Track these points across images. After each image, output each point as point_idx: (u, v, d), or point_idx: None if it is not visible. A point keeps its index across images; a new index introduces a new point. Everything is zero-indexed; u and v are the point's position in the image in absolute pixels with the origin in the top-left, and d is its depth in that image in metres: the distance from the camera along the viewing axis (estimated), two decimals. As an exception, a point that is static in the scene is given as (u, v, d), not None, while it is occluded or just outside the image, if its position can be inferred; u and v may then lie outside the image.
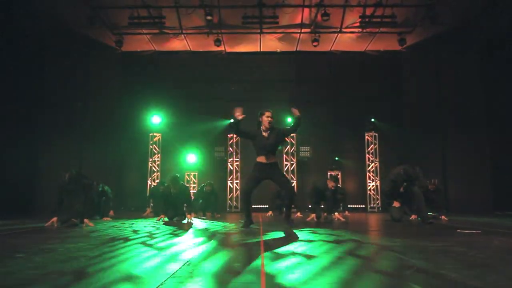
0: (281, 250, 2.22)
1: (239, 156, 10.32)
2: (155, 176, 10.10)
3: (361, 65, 10.49)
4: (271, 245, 2.42)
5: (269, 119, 4.07)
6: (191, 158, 10.17)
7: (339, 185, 9.64)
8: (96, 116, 9.23)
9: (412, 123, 9.66)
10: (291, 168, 10.17)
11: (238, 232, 3.52)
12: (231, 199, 10.10)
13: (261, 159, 4.05)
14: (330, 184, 5.47)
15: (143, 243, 2.62)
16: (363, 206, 10.15)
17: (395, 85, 10.48)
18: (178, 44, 10.19)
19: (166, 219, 5.40)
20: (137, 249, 2.25)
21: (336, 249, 2.23)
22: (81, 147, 9.03)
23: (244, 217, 4.16)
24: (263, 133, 4.08)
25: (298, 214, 7.42)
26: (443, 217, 5.48)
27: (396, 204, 4.92)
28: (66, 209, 4.26)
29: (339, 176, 10.13)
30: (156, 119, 10.15)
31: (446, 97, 9.29)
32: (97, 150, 9.08)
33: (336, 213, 5.65)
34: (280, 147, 3.97)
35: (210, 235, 3.26)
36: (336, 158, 10.19)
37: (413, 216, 5.65)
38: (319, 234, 3.27)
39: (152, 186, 8.76)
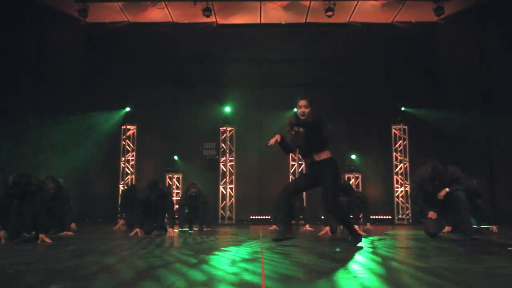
0: None
1: (233, 154, 10.30)
2: (129, 180, 10.09)
3: (388, 40, 10.43)
4: None
5: (303, 109, 3.93)
6: (174, 157, 10.15)
7: (359, 190, 9.78)
8: (53, 102, 9.13)
9: (450, 112, 9.61)
10: (299, 170, 10.16)
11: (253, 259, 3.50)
12: (223, 208, 10.10)
13: (305, 160, 4.25)
14: (300, 103, 4.93)
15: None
16: (390, 217, 10.16)
17: (430, 64, 10.43)
18: (157, 14, 10.12)
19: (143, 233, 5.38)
20: None
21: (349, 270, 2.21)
22: (36, 142, 8.96)
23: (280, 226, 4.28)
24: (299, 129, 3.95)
25: (307, 227, 7.49)
26: (493, 228, 5.44)
27: (431, 214, 4.87)
28: (15, 222, 4.24)
29: (359, 180, 10.14)
30: (129, 108, 10.12)
31: (492, 78, 9.24)
32: (55, 145, 9.03)
33: (355, 226, 5.64)
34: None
35: (198, 263, 3.23)
36: (353, 157, 10.16)
37: (447, 228, 5.63)
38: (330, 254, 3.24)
39: (125, 190, 8.73)
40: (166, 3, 9.61)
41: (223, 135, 10.32)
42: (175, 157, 10.16)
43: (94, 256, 3.01)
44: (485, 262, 2.64)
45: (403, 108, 10.18)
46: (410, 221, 9.88)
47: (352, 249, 3.52)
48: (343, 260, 2.76)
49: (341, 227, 5.77)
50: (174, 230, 5.50)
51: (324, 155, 3.94)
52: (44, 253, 3.30)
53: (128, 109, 10.24)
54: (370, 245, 3.93)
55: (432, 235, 4.87)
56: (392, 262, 2.71)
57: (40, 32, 9.41)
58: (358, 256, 2.96)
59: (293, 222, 7.05)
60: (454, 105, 9.45)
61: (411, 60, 10.30)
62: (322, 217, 7.07)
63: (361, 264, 2.53)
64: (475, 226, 5.61)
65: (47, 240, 4.21)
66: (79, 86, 10.06)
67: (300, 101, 3.98)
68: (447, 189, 4.65)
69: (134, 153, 10.31)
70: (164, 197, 5.57)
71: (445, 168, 4.74)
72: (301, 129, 3.89)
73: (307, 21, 10.41)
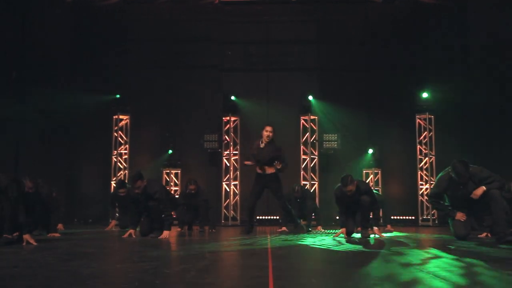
0: None
1: (238, 147, 10.21)
2: (122, 175, 10.06)
3: (411, 18, 10.26)
4: None
5: (268, 133, 5.85)
6: (172, 150, 10.10)
7: (378, 188, 9.69)
8: (36, 90, 9.09)
9: (481, 102, 9.43)
10: (311, 165, 10.04)
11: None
12: (227, 207, 10.04)
13: (258, 170, 5.93)
14: (349, 188, 5.21)
15: None
16: (413, 217, 10.07)
17: (460, 46, 10.24)
18: (152, -10, 10.04)
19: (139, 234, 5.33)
20: None
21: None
22: (16, 134, 8.95)
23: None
24: (261, 145, 5.91)
25: (319, 228, 7.56)
26: None
27: (460, 216, 4.80)
28: None
29: (379, 176, 10.05)
30: (119, 95, 10.04)
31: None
32: (39, 137, 9.02)
33: (375, 227, 5.56)
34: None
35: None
36: (371, 151, 10.05)
37: (484, 234, 5.55)
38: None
39: (115, 187, 8.71)
40: (162, -23, 9.50)
41: (226, 125, 10.22)
42: (170, 151, 10.08)
43: (83, 260, 2.96)
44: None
45: (425, 95, 9.98)
46: (436, 222, 9.78)
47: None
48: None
49: (359, 228, 5.70)
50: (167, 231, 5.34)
51: (272, 170, 5.91)
52: (28, 256, 3.25)
53: (118, 96, 10.14)
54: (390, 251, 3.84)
55: (462, 237, 4.79)
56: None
57: (21, 11, 9.34)
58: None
59: (304, 222, 7.02)
60: (485, 96, 9.27)
61: (439, 41, 10.12)
62: (337, 217, 7.02)
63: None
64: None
65: (32, 241, 4.17)
66: (64, 69, 10.02)
67: (266, 126, 5.93)
68: (484, 188, 4.55)
69: (127, 145, 10.27)
70: (153, 195, 5.37)
71: (467, 168, 4.63)
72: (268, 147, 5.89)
73: (320, -4, 10.28)
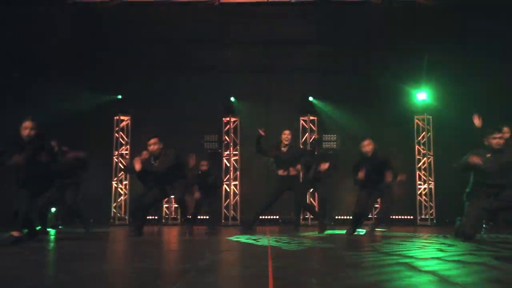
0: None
1: (238, 148, 10.23)
2: (123, 176, 10.09)
3: (412, 18, 10.24)
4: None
5: (287, 136, 6.28)
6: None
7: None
8: (40, 92, 9.13)
9: (485, 100, 9.40)
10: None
11: None
12: (227, 207, 10.07)
13: (281, 172, 6.25)
14: (365, 143, 5.80)
15: None
16: (411, 217, 10.09)
17: (459, 45, 10.22)
18: (152, -8, 10.03)
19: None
20: None
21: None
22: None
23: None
24: (282, 149, 6.30)
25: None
26: None
27: (476, 159, 4.43)
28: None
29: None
30: (121, 96, 10.09)
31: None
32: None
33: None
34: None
35: None
36: None
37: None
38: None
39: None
40: (162, -21, 9.51)
41: (226, 126, 10.24)
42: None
43: (84, 260, 2.98)
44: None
45: (424, 97, 9.99)
46: (435, 221, 9.80)
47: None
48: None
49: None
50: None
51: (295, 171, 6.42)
52: (30, 257, 3.28)
53: (119, 97, 10.18)
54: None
55: (469, 237, 4.49)
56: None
57: (21, 12, 9.35)
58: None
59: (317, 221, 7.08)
60: (485, 90, 9.23)
61: (439, 41, 10.10)
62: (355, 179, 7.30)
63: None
64: None
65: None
66: (66, 71, 10.04)
67: (284, 131, 6.38)
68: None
69: (128, 146, 10.29)
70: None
71: None
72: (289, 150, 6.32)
73: (320, -3, 10.25)
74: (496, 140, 4.55)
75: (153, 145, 5.35)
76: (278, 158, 6.25)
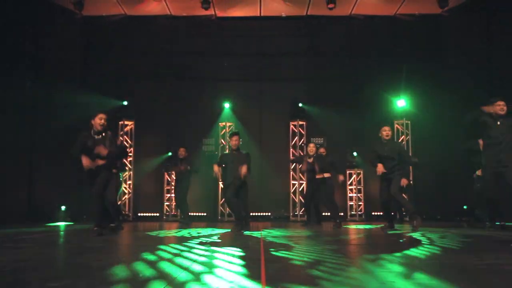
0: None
1: (233, 150, 10.26)
2: (127, 177, 10.10)
3: (390, 33, 10.39)
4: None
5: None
6: (171, 153, 10.14)
7: (360, 187, 9.76)
8: (50, 101, 9.11)
9: (457, 108, 9.54)
10: (299, 166, 10.13)
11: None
12: (223, 205, 10.11)
13: (319, 175, 7.21)
14: (384, 129, 6.29)
15: None
16: (392, 213, 10.12)
17: (434, 58, 10.38)
18: (155, 7, 10.09)
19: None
20: None
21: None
22: (31, 138, 8.96)
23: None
24: (309, 160, 7.32)
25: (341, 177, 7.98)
26: None
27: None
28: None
29: (361, 176, 10.15)
30: (124, 102, 10.08)
31: (501, 72, 9.18)
32: (52, 142, 9.03)
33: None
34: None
35: None
36: (354, 153, 10.15)
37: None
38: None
39: None
40: (164, -5, 9.56)
41: (222, 130, 10.30)
42: (169, 153, 10.14)
43: (92, 253, 3.02)
44: (492, 259, 2.65)
45: (403, 103, 10.09)
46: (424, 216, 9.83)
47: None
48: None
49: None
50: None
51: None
52: (42, 250, 3.31)
53: (124, 103, 10.19)
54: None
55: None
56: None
57: (35, 25, 9.38)
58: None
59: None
60: (458, 100, 9.38)
61: (414, 54, 10.25)
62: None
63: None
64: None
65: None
66: (75, 79, 10.06)
67: (310, 144, 7.58)
68: None
69: (132, 149, 10.30)
70: None
71: None
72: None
73: (308, 13, 10.37)
74: (500, 106, 4.78)
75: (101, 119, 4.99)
76: (312, 165, 7.34)
